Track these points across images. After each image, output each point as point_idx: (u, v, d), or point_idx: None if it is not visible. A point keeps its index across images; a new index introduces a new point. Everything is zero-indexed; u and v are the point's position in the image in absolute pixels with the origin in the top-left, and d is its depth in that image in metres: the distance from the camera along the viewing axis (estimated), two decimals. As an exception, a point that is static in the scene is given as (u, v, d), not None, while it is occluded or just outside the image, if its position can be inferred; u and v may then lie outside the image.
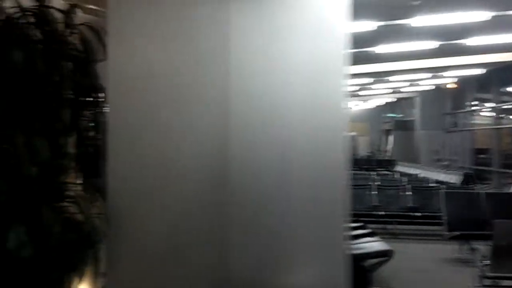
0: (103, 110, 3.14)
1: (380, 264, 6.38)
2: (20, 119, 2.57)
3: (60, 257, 2.64)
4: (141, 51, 3.13)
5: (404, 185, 12.09)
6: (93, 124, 3.12)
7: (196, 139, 3.11)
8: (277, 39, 3.13)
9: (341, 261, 3.07)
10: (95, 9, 3.59)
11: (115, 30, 3.10)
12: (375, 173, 16.36)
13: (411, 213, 11.06)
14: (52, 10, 2.93)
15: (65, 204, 2.76)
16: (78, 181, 3.01)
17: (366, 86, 23.54)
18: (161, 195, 3.13)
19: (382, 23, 10.97)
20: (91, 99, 3.09)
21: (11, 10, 2.80)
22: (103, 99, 3.13)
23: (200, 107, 3.12)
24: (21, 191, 2.60)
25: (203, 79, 3.12)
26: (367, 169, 19.05)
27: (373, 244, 6.65)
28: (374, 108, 33.93)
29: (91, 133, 3.14)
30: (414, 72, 19.23)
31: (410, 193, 11.50)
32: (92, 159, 3.14)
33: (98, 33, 3.10)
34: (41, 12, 2.90)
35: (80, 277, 2.77)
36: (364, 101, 31.60)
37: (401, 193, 11.59)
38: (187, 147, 3.12)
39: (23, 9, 2.80)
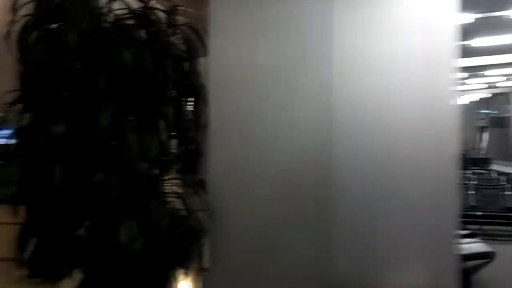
0: (204, 109, 3.19)
1: (481, 266, 6.11)
2: (131, 118, 2.65)
3: (168, 251, 2.71)
4: (242, 49, 3.16)
5: (503, 185, 11.50)
6: (194, 122, 3.18)
7: (299, 137, 3.10)
8: (382, 35, 3.05)
9: (451, 262, 2.94)
10: (194, 10, 3.66)
11: (216, 29, 3.15)
12: (470, 172, 15.67)
13: (511, 214, 10.51)
14: (156, 11, 3.02)
15: (171, 199, 2.83)
16: (181, 177, 3.08)
17: (460, 81, 22.60)
18: (263, 193, 3.15)
19: (479, 15, 10.47)
20: (193, 97, 3.15)
21: (119, 12, 2.90)
22: (204, 98, 3.18)
23: (302, 105, 3.10)
24: (131, 186, 2.69)
25: (305, 77, 3.10)
26: (462, 168, 18.24)
27: (474, 246, 6.37)
28: (467, 104, 32.52)
29: (192, 131, 3.20)
30: (511, 66, 18.22)
31: (510, 192, 10.92)
32: (193, 156, 3.20)
33: (199, 32, 3.16)
34: (146, 13, 2.99)
35: (186, 272, 2.84)
36: (458, 97, 30.31)
37: (499, 193, 11.03)
38: (289, 145, 3.12)
39: (130, 11, 2.90)
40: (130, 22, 2.90)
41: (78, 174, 2.62)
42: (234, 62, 3.16)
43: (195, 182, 3.11)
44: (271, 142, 3.14)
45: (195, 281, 3.09)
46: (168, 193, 2.86)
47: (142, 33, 2.93)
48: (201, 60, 3.17)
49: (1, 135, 10.43)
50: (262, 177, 3.15)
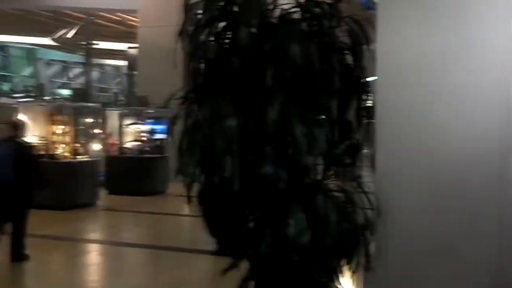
0: (369, 102, 3.11)
1: None
2: (299, 111, 2.66)
3: (335, 246, 2.68)
4: (411, 41, 3.02)
5: None
6: (358, 116, 3.12)
7: (474, 135, 2.89)
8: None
9: None
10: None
11: (384, 21, 3.04)
12: None
13: None
14: (320, 4, 3.00)
15: (338, 194, 2.80)
16: (344, 172, 3.03)
17: None
18: (431, 191, 2.99)
19: None
20: (357, 91, 3.09)
21: (284, 6, 2.93)
22: (368, 91, 3.10)
23: (477, 99, 2.89)
24: (299, 179, 2.70)
25: (482, 69, 2.88)
26: None
27: None
28: None
29: (356, 125, 3.13)
30: None
31: None
32: (354, 151, 3.14)
33: (362, 25, 3.08)
34: (310, 6, 2.98)
35: (353, 268, 2.79)
36: None
37: None
38: (461, 141, 2.92)
39: (295, 5, 2.91)
40: (296, 16, 2.91)
41: (247, 167, 2.68)
42: (402, 55, 3.03)
43: (356, 177, 3.05)
44: (442, 138, 2.96)
45: (358, 278, 3.03)
46: (333, 187, 2.82)
47: (308, 27, 2.93)
48: (366, 53, 3.09)
49: (158, 131, 11.25)
50: (431, 175, 2.99)
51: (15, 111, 13.47)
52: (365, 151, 3.16)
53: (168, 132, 14.90)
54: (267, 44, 2.69)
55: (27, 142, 7.59)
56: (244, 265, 2.91)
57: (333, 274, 2.80)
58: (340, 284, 2.89)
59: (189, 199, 2.86)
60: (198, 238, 9.51)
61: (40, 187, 7.47)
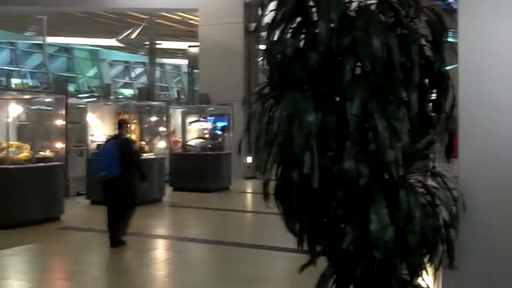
0: (450, 95, 3.02)
1: None
2: (380, 105, 2.61)
3: (419, 242, 2.61)
4: (495, 31, 2.91)
5: None
6: (438, 110, 3.03)
7: None
8: None
9: None
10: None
11: (466, 10, 2.94)
12: None
13: None
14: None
15: (421, 189, 2.73)
16: (426, 166, 2.96)
17: None
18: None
19: None
20: (437, 84, 3.00)
21: None
22: (449, 84, 3.00)
23: None
24: (380, 174, 2.65)
25: None
26: None
27: None
28: None
29: (435, 120, 3.05)
30: None
31: None
32: (432, 144, 3.06)
33: (441, 15, 2.99)
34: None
35: (435, 265, 2.72)
36: None
37: None
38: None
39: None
40: (374, 8, 2.86)
41: (327, 162, 2.65)
42: (488, 44, 2.91)
43: (438, 172, 2.96)
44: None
45: (440, 275, 2.95)
46: (415, 182, 2.76)
47: (386, 18, 2.87)
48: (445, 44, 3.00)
49: (220, 128, 11.53)
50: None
51: (84, 111, 13.96)
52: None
53: (230, 128, 15.03)
54: (346, 37, 2.65)
55: (131, 140, 8.66)
56: (321, 262, 2.90)
57: (415, 271, 2.74)
58: (422, 281, 2.82)
59: (265, 195, 2.87)
60: (265, 234, 9.64)
61: (142, 180, 8.29)
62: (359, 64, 2.74)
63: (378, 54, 2.60)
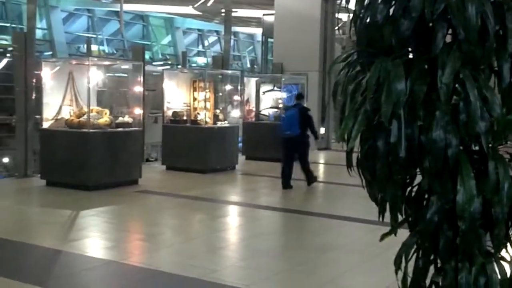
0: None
1: None
2: (472, 75, 2.60)
3: (506, 214, 2.62)
4: None
5: None
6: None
7: None
8: None
9: None
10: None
11: None
12: None
13: None
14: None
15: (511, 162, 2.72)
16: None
17: None
18: None
19: None
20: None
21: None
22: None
23: None
24: (469, 145, 2.66)
25: None
26: None
27: None
28: None
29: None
30: None
31: None
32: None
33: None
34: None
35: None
36: None
37: None
38: None
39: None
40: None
41: (414, 131, 2.68)
42: None
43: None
44: None
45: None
46: (505, 154, 2.74)
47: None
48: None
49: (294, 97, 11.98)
50: None
51: (159, 78, 14.39)
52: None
53: (304, 98, 15.03)
54: (440, 3, 2.64)
55: (307, 108, 11.31)
56: (401, 233, 2.95)
57: (500, 243, 2.75)
58: (506, 253, 2.83)
59: (349, 164, 2.93)
60: (339, 205, 9.72)
61: (315, 138, 11.44)
62: (449, 32, 2.73)
63: (472, 22, 2.58)
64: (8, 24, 21.20)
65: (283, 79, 16.05)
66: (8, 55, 17.91)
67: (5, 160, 13.90)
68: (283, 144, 10.56)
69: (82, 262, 5.97)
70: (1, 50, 18.85)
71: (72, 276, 5.55)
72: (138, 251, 6.69)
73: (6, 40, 19.64)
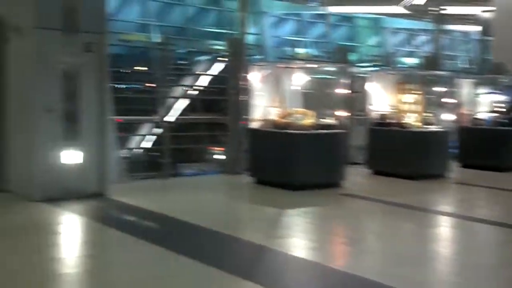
0: None
1: None
2: None
3: None
4: None
5: None
6: None
7: None
8: None
9: None
10: None
11: None
12: None
13: None
14: None
15: None
16: None
17: None
18: None
19: None
20: None
21: None
22: None
23: None
24: None
25: None
26: None
27: None
28: None
29: None
30: None
31: None
32: None
33: None
34: None
35: None
36: None
37: None
38: None
39: None
40: None
41: None
42: None
43: None
44: None
45: None
46: None
47: None
48: None
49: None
50: None
51: (364, 80, 14.32)
52: None
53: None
54: None
55: None
56: None
57: None
58: None
59: None
60: None
61: None
62: None
63: None
64: (223, 31, 22.90)
65: (505, 80, 14.85)
66: (222, 59, 19.35)
67: (219, 157, 15.03)
68: None
69: (286, 260, 6.14)
70: (218, 55, 20.43)
71: (277, 273, 5.73)
72: (341, 255, 6.69)
73: (221, 45, 21.23)
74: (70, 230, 7.50)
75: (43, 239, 6.73)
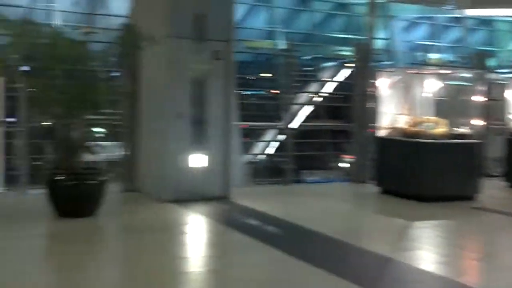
0: None
1: None
2: None
3: None
4: None
5: None
6: None
7: None
8: None
9: None
10: None
11: None
12: None
13: None
14: None
15: None
16: None
17: None
18: None
19: None
20: None
21: None
22: None
23: None
24: None
25: None
26: None
27: None
28: None
29: None
30: None
31: None
32: None
33: None
34: None
35: None
36: None
37: None
38: None
39: None
40: None
41: None
42: None
43: None
44: None
45: None
46: None
47: None
48: None
49: None
50: None
51: (504, 87, 13.58)
52: None
53: None
54: None
55: None
56: None
57: None
58: None
59: None
60: None
61: None
62: None
63: None
64: (350, 36, 22.79)
65: None
66: (348, 65, 19.27)
67: (344, 165, 15.00)
68: None
69: (412, 274, 5.98)
70: (345, 61, 20.39)
71: (403, 286, 5.61)
72: (472, 271, 6.38)
73: (348, 51, 21.15)
74: (196, 231, 7.87)
75: (171, 238, 7.13)
